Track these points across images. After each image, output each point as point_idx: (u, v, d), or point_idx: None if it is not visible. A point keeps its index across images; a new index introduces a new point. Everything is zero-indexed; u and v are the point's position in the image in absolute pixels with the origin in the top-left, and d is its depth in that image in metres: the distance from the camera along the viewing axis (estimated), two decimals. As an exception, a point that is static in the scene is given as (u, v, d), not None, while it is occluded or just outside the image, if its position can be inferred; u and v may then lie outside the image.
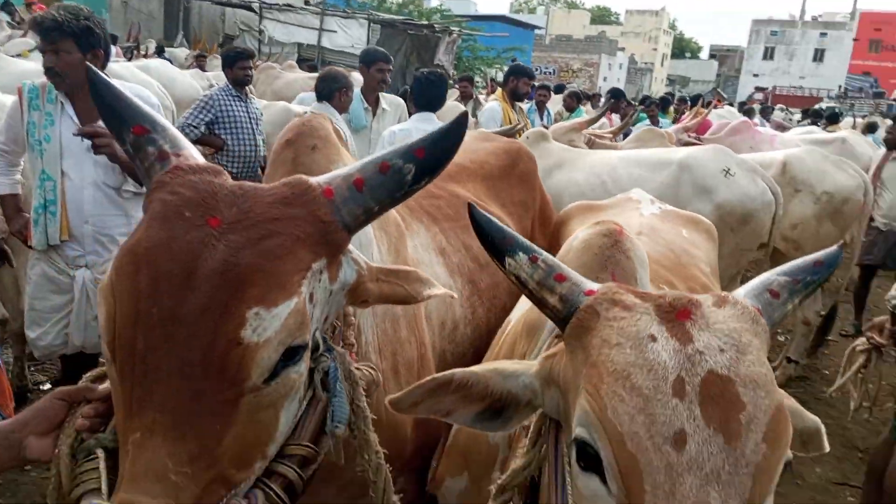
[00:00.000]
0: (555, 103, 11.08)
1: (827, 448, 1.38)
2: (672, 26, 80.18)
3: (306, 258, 1.24)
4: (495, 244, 1.33)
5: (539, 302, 1.29)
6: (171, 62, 11.19)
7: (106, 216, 3.31)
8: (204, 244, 1.17)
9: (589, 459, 1.14)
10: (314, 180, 1.33)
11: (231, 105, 5.73)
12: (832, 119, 14.00)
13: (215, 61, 14.23)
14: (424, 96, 4.84)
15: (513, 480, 1.42)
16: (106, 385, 1.40)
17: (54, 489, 1.33)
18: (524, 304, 2.15)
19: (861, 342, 3.80)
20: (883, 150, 6.88)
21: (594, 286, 1.27)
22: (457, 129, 1.37)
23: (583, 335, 1.20)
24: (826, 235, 5.41)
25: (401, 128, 4.79)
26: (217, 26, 25.27)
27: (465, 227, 2.60)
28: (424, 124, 4.58)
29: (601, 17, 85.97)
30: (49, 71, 3.16)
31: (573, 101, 10.32)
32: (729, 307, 1.20)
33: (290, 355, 1.22)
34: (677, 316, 1.16)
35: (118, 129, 1.37)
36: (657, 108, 10.76)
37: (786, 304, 1.29)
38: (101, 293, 1.21)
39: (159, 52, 14.06)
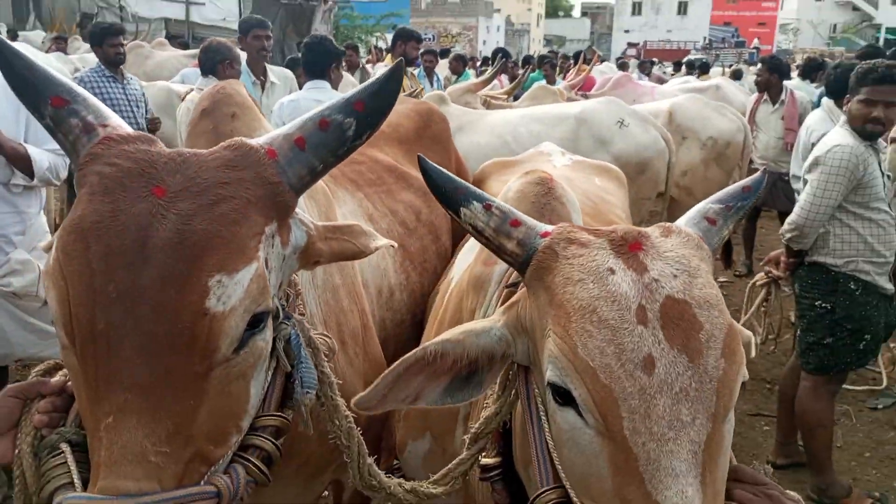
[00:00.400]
0: (441, 68, 11.11)
1: (753, 354, 1.47)
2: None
3: (259, 222, 1.20)
4: (448, 195, 1.33)
5: (497, 248, 1.30)
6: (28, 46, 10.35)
7: None
8: (153, 215, 1.12)
9: (564, 396, 1.17)
10: (255, 142, 1.28)
11: (106, 87, 5.38)
12: (703, 69, 14.79)
13: (77, 42, 13.30)
14: (314, 62, 4.65)
15: (486, 428, 1.44)
16: (59, 377, 1.32)
17: (20, 491, 1.25)
18: (463, 263, 2.17)
19: (759, 276, 4.08)
20: (755, 94, 7.29)
21: (548, 228, 1.29)
22: (393, 77, 1.35)
23: (544, 275, 1.23)
24: (713, 179, 5.74)
25: (290, 99, 4.57)
26: (72, 4, 23.52)
27: (387, 191, 2.59)
28: (317, 94, 4.41)
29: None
30: None
31: (459, 65, 10.40)
32: (675, 236, 1.25)
33: (255, 322, 1.19)
34: (630, 248, 1.21)
35: (34, 101, 1.27)
36: (551, 67, 11.06)
37: (721, 230, 1.36)
38: (49, 277, 1.14)
39: (12, 38, 12.97)
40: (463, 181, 1.37)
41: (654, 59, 17.69)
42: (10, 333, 3.11)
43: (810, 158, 3.53)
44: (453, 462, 1.53)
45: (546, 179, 1.84)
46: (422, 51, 7.85)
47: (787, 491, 1.31)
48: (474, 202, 1.32)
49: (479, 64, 15.60)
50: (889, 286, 3.56)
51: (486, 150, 4.80)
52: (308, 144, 1.29)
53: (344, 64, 10.24)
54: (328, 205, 2.12)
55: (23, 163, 3.03)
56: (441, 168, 1.37)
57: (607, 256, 1.20)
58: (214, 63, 4.85)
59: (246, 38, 5.59)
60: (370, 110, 1.32)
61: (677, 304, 1.15)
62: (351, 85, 6.56)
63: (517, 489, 1.47)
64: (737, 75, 13.58)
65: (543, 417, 1.28)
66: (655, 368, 1.10)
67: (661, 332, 1.13)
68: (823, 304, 3.54)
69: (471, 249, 2.21)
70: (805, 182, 3.54)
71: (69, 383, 1.33)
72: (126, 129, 1.28)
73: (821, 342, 3.56)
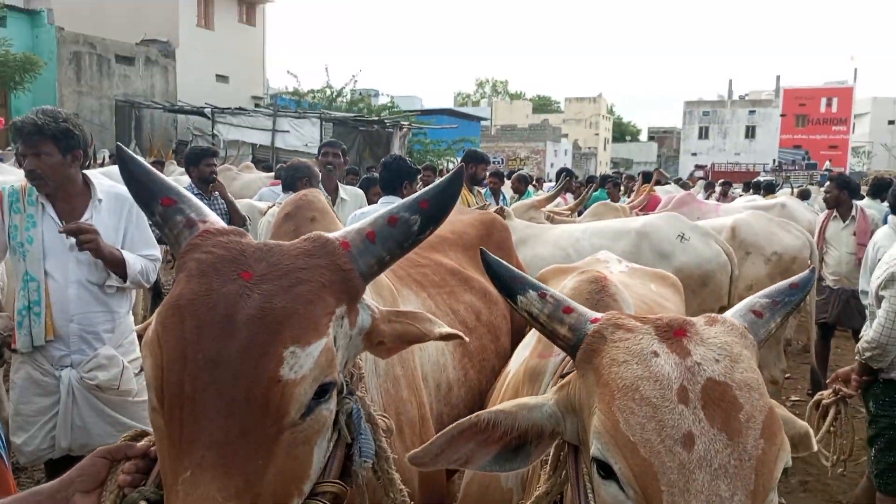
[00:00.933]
0: (505, 188, 11.52)
1: (815, 447, 1.50)
2: (610, 111, 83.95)
3: (331, 303, 1.35)
4: (507, 283, 1.47)
5: (550, 333, 1.42)
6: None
7: (91, 314, 3.34)
8: (239, 295, 1.29)
9: (607, 469, 1.25)
10: (331, 235, 1.46)
11: (196, 201, 5.86)
12: (769, 189, 14.86)
13: (172, 166, 14.39)
14: (390, 179, 4.98)
15: None
16: (144, 442, 1.46)
17: None
18: (519, 357, 2.27)
19: (826, 394, 3.93)
20: (825, 211, 7.27)
21: (598, 315, 1.41)
22: (456, 179, 1.52)
23: (592, 357, 1.33)
24: (780, 293, 5.68)
25: (362, 211, 4.90)
26: (169, 133, 25.64)
27: (450, 292, 2.74)
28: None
29: (542, 105, 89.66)
30: (31, 174, 3.23)
31: (521, 185, 10.76)
32: (719, 325, 1.35)
33: (322, 393, 1.32)
34: (675, 334, 1.31)
35: (147, 201, 1.50)
36: (615, 186, 11.36)
37: (768, 323, 1.44)
38: (147, 347, 1.31)
39: (114, 162, 14.16)
40: (521, 272, 1.52)
41: (727, 181, 17.88)
42: (90, 424, 3.32)
43: (885, 275, 3.47)
44: None
45: (600, 278, 1.96)
46: (488, 173, 8.25)
47: None
48: (530, 290, 1.45)
49: (543, 184, 16.02)
50: (967, 402, 3.43)
51: (548, 262, 4.92)
52: (378, 237, 1.46)
53: (420, 183, 10.82)
54: (393, 301, 2.28)
55: (118, 267, 3.33)
56: (500, 259, 1.51)
57: (652, 340, 1.30)
58: (294, 180, 5.25)
59: (318, 158, 6.06)
60: (434, 208, 1.49)
61: (718, 385, 1.22)
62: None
63: None
64: (804, 195, 13.57)
65: (591, 495, 1.35)
66: (695, 445, 1.17)
67: (701, 412, 1.20)
68: (905, 424, 3.42)
69: (526, 346, 2.32)
70: (879, 298, 3.49)
71: (152, 448, 1.48)
72: (222, 224, 1.49)
73: (902, 462, 3.41)
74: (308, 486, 1.36)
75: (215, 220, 1.49)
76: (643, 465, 1.18)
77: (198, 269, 1.34)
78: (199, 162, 5.86)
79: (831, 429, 3.86)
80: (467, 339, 1.60)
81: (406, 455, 1.43)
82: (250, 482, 1.22)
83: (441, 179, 1.55)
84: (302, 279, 1.34)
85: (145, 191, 1.50)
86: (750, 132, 63.52)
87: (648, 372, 1.24)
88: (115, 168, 8.25)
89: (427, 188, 1.54)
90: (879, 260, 3.88)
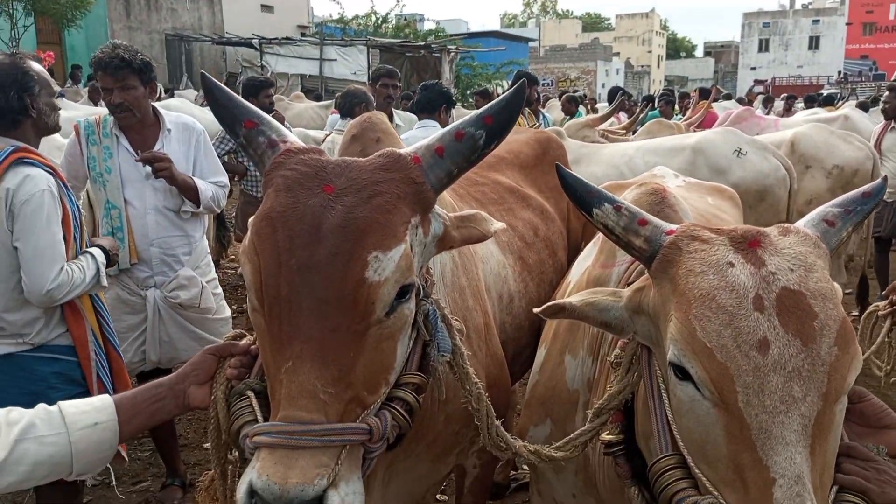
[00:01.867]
0: (555, 109, 11.35)
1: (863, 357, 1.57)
2: (664, 27, 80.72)
3: (407, 213, 1.47)
4: (583, 197, 1.54)
5: (626, 245, 1.49)
6: (183, 102, 11.54)
7: (169, 238, 3.56)
8: (323, 206, 1.42)
9: (684, 371, 1.33)
10: (403, 150, 1.57)
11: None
12: (828, 101, 14.28)
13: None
14: (428, 102, 5.12)
15: (609, 404, 1.61)
16: (245, 341, 1.64)
17: (214, 429, 1.59)
18: (579, 268, 2.37)
19: (883, 304, 3.92)
20: (882, 122, 7.02)
21: (673, 227, 1.47)
22: (518, 95, 1.60)
23: (668, 268, 1.40)
24: (840, 208, 5.59)
25: (404, 137, 5.03)
26: (219, 65, 25.81)
27: (508, 209, 2.84)
28: (425, 132, 4.83)
29: (592, 24, 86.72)
30: (119, 107, 3.38)
31: (572, 106, 10.55)
32: (793, 235, 1.39)
33: (403, 293, 1.46)
34: (749, 245, 1.36)
35: (231, 124, 1.62)
36: (668, 104, 11.10)
37: (840, 232, 1.48)
38: (245, 255, 1.46)
39: (169, 96, 14.44)
40: (596, 186, 1.58)
41: (790, 94, 17.22)
42: (176, 339, 3.60)
43: None
44: (576, 432, 1.70)
45: (659, 190, 2.01)
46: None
47: None
48: (606, 203, 1.51)
49: (597, 105, 15.71)
50: None
51: (602, 181, 4.91)
52: (447, 152, 1.55)
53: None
54: (455, 216, 2.39)
55: (191, 193, 3.53)
56: (574, 173, 1.58)
57: (727, 251, 1.35)
58: (352, 106, 5.35)
59: (375, 87, 6.11)
60: (498, 123, 1.57)
61: (793, 294, 1.28)
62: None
63: (638, 464, 1.61)
64: (863, 107, 13.01)
65: (664, 394, 1.45)
66: (770, 350, 1.24)
67: (776, 319, 1.26)
68: (963, 337, 3.40)
69: (586, 257, 2.41)
70: None
71: (252, 346, 1.65)
72: (301, 144, 1.60)
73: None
74: (393, 377, 1.51)
75: (295, 140, 1.61)
76: (719, 369, 1.26)
77: (284, 185, 1.46)
78: (259, 93, 5.98)
79: (887, 339, 3.87)
80: (504, 226, 1.74)
81: (534, 310, 1.62)
82: (344, 372, 1.37)
83: (503, 95, 1.62)
84: (379, 191, 1.45)
85: (229, 114, 1.62)
86: (813, 43, 60.46)
87: (724, 281, 1.30)
88: (173, 101, 8.53)
89: (490, 104, 1.61)
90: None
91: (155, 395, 1.56)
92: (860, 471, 1.35)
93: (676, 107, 12.91)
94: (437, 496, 4.14)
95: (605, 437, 1.66)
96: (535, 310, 1.58)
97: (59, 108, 2.94)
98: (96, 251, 2.91)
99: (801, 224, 1.46)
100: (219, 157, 5.60)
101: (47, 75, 2.87)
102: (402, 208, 1.46)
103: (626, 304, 1.53)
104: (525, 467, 4.36)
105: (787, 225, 1.43)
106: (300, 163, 1.50)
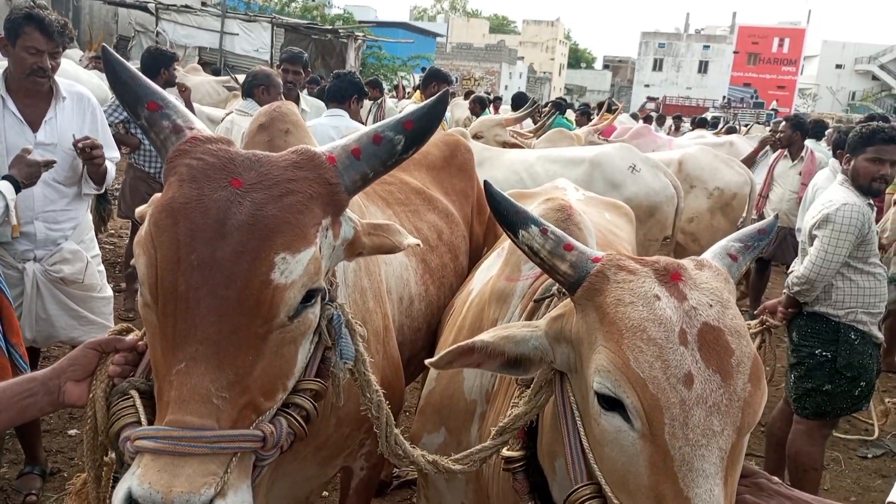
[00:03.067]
0: (461, 108, 11.45)
1: None
2: (567, 37, 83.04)
3: (318, 214, 1.42)
4: (510, 218, 1.51)
5: (550, 269, 1.48)
6: (68, 62, 10.78)
7: (56, 212, 3.31)
8: (230, 201, 1.34)
9: (609, 402, 1.34)
10: (318, 149, 1.51)
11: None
12: (713, 125, 15.36)
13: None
14: (339, 91, 4.99)
15: (513, 424, 1.60)
16: (133, 335, 1.53)
17: (90, 429, 1.48)
18: (482, 277, 2.38)
19: (754, 324, 4.20)
20: (777, 151, 7.43)
21: (599, 254, 1.47)
22: (440, 103, 1.57)
23: (595, 296, 1.40)
24: (718, 228, 5.95)
25: (310, 123, 4.89)
26: (110, 27, 24.30)
27: (414, 211, 2.82)
28: (335, 121, 4.75)
29: (500, 26, 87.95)
30: (41, 72, 3.13)
31: (478, 106, 10.69)
32: (707, 270, 1.43)
33: (308, 297, 1.41)
34: (671, 278, 1.39)
35: (133, 104, 1.51)
36: (584, 115, 11.67)
37: (741, 266, 1.55)
38: (140, 246, 1.36)
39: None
40: (524, 207, 1.56)
41: (679, 115, 18.22)
42: (54, 317, 3.34)
43: (818, 216, 3.61)
44: (477, 447, 1.68)
45: (566, 206, 2.03)
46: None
47: (771, 476, 1.49)
48: (532, 226, 1.49)
49: (500, 106, 15.96)
50: (879, 335, 3.72)
51: (503, 186, 4.93)
52: (363, 154, 1.51)
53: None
54: (361, 215, 2.35)
55: (100, 175, 3.33)
56: (504, 193, 1.56)
57: (653, 284, 1.37)
58: (252, 87, 5.16)
59: (280, 68, 5.94)
60: (418, 129, 1.54)
61: (713, 330, 1.32)
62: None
63: (536, 480, 1.63)
64: (731, 131, 14.33)
65: (578, 421, 1.45)
66: (694, 384, 1.28)
67: (698, 353, 1.30)
68: (824, 353, 3.65)
69: (490, 267, 2.42)
70: (812, 237, 3.69)
71: (140, 343, 1.55)
72: (208, 132, 1.51)
73: (819, 388, 3.66)
74: (292, 383, 1.46)
75: (201, 128, 1.52)
76: (651, 399, 1.28)
77: (189, 175, 1.38)
78: (168, 67, 5.68)
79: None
80: (420, 243, 1.68)
81: (427, 361, 1.54)
82: (240, 376, 1.31)
83: (426, 101, 1.59)
84: (291, 190, 1.39)
85: (131, 94, 1.51)
86: (703, 67, 63.92)
87: (653, 314, 1.32)
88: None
89: (414, 109, 1.58)
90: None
91: (26, 391, 1.44)
92: (747, 496, 1.43)
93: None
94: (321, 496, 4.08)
95: (506, 452, 1.67)
96: (428, 360, 1.54)
97: None
98: (4, 186, 2.82)
99: (708, 256, 1.51)
100: (109, 126, 5.30)
101: None
102: (313, 209, 1.41)
103: (545, 332, 1.52)
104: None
105: (700, 259, 1.47)
106: (207, 152, 1.42)
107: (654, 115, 18.98)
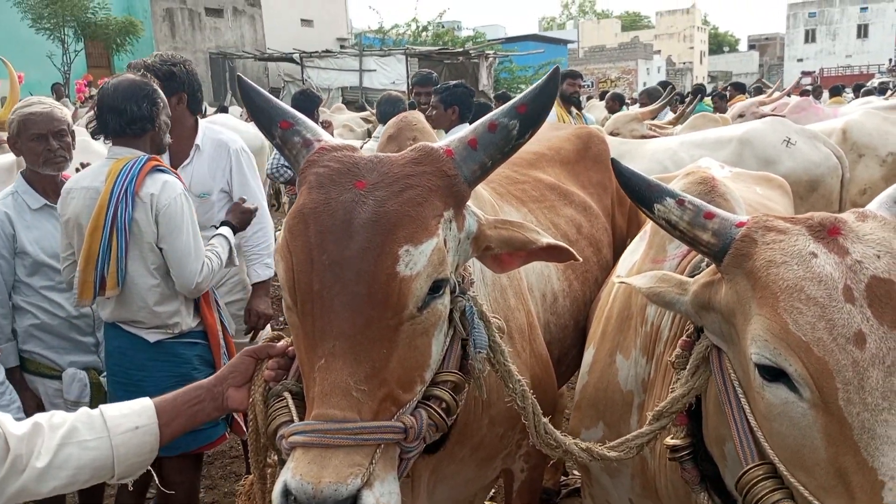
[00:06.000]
0: (599, 109, 11.25)
1: None
2: (705, 22, 79.44)
3: (439, 206, 1.44)
4: (642, 192, 1.47)
5: (691, 240, 1.41)
6: (227, 118, 11.74)
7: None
8: (355, 202, 1.40)
9: (772, 372, 1.25)
10: (435, 144, 1.54)
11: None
12: (882, 92, 13.92)
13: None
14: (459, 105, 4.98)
15: (672, 407, 1.54)
16: (283, 343, 1.63)
17: (252, 431, 1.59)
18: (627, 263, 2.30)
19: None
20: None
21: (744, 218, 1.39)
22: (551, 83, 1.55)
23: (743, 262, 1.32)
24: (898, 197, 5.39)
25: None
26: (262, 81, 26.26)
27: (550, 207, 2.78)
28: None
29: (632, 22, 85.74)
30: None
31: (615, 104, 10.49)
32: (871, 220, 1.32)
33: (436, 288, 1.43)
34: (829, 233, 1.29)
35: (268, 125, 1.62)
36: (720, 98, 11.05)
37: None
38: (279, 252, 1.45)
39: (218, 111, 14.74)
40: (655, 179, 1.51)
41: (840, 85, 16.77)
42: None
43: None
44: (633, 433, 1.63)
45: (708, 178, 1.93)
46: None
47: None
48: (667, 198, 1.44)
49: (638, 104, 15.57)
50: None
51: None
52: (479, 144, 1.52)
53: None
54: (495, 215, 2.35)
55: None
56: (633, 168, 1.51)
57: (807, 241, 1.28)
58: (390, 114, 5.38)
59: (412, 93, 6.16)
60: (532, 111, 1.52)
61: (883, 283, 1.22)
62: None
63: (705, 468, 1.55)
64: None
65: (742, 397, 1.37)
66: (867, 343, 1.18)
67: (868, 310, 1.20)
68: None
69: (633, 252, 2.34)
70: None
71: (290, 348, 1.63)
72: (335, 142, 1.58)
73: None
74: (429, 375, 1.47)
75: (329, 139, 1.59)
76: (818, 363, 1.19)
77: (317, 182, 1.45)
78: (314, 109, 6.16)
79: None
80: (572, 250, 1.62)
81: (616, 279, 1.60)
82: (377, 368, 1.35)
83: (539, 82, 1.57)
84: (410, 185, 1.43)
85: (265, 116, 1.62)
86: (862, 31, 58.73)
87: (811, 272, 1.23)
88: (219, 116, 8.59)
89: (523, 93, 1.57)
90: None
91: (194, 398, 1.57)
92: None
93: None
94: (486, 502, 4.09)
95: (670, 440, 1.60)
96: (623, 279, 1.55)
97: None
98: (226, 231, 3.11)
99: (873, 207, 1.38)
100: (287, 168, 5.65)
101: (165, 99, 3.01)
102: (433, 201, 1.43)
103: (692, 300, 1.46)
104: (576, 472, 4.28)
105: (862, 210, 1.36)
106: (333, 160, 1.49)
107: (809, 89, 17.65)
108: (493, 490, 4.16)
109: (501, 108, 1.56)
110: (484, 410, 2.00)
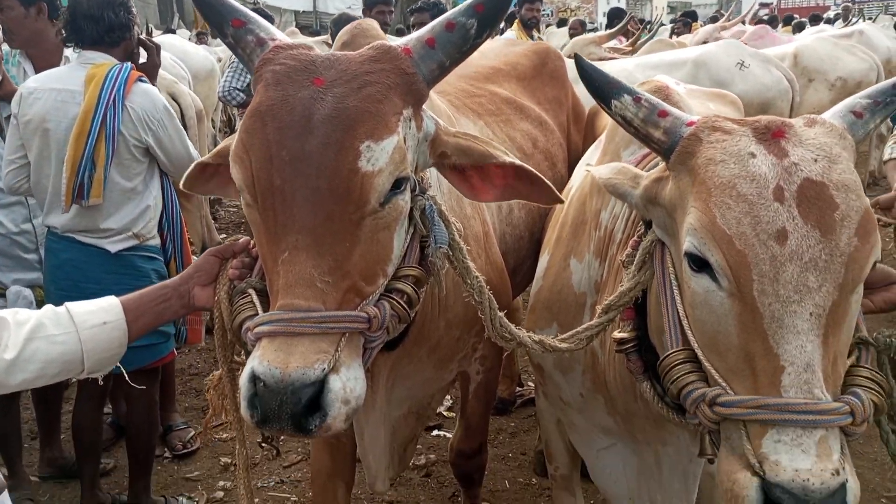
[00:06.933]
0: (558, 37, 11.21)
1: None
2: (666, -50, 78.22)
3: (398, 103, 1.46)
4: (601, 88, 1.51)
5: (644, 137, 1.47)
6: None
7: None
8: (313, 98, 1.40)
9: (699, 263, 1.33)
10: (393, 42, 1.54)
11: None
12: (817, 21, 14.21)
13: (217, 38, 14.34)
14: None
15: (619, 301, 1.61)
16: (245, 239, 1.65)
17: (219, 328, 1.63)
18: (581, 173, 2.35)
19: None
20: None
21: (694, 118, 1.44)
22: None
23: (687, 159, 1.38)
24: (845, 121, 5.53)
25: None
26: (210, 3, 25.12)
27: (506, 120, 2.80)
28: None
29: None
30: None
31: (580, 29, 10.50)
32: (818, 126, 1.36)
33: (397, 185, 1.45)
34: (773, 135, 1.34)
35: (219, 23, 1.59)
36: (685, 26, 11.24)
37: (868, 124, 1.45)
38: (234, 156, 1.45)
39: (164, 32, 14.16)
40: (616, 77, 1.53)
41: (792, 15, 16.94)
42: None
43: None
44: (583, 326, 1.70)
45: (663, 87, 1.96)
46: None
47: None
48: (625, 95, 1.48)
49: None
50: None
51: (603, 99, 4.90)
52: (437, 43, 1.52)
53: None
54: (451, 126, 2.36)
55: None
56: (595, 64, 1.54)
57: (749, 142, 1.34)
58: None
59: (371, 13, 5.98)
60: (489, 11, 1.53)
61: (815, 185, 1.27)
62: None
63: (650, 360, 1.63)
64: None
65: (676, 290, 1.46)
66: (788, 240, 1.24)
67: (795, 209, 1.26)
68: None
69: (588, 159, 2.39)
70: None
71: (253, 247, 1.66)
72: (290, 40, 1.57)
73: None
74: (391, 269, 1.51)
75: (283, 37, 1.57)
76: (738, 256, 1.26)
77: (273, 79, 1.45)
78: None
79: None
80: (549, 183, 1.64)
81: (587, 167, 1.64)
82: (340, 261, 1.38)
83: None
84: (369, 81, 1.43)
85: (216, 14, 1.59)
86: (819, -39, 58.68)
87: (745, 171, 1.29)
88: (166, 37, 8.21)
89: None
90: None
91: (161, 296, 1.59)
92: None
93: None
94: (445, 412, 4.24)
95: (617, 334, 1.67)
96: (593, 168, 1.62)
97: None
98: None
99: (827, 115, 1.43)
100: (239, 90, 5.46)
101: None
102: (393, 99, 1.44)
103: (642, 193, 1.52)
104: (530, 384, 4.44)
105: (813, 116, 1.40)
106: (289, 57, 1.48)
107: (765, 19, 17.73)
108: (450, 402, 4.31)
109: (459, 7, 1.56)
110: (441, 313, 2.06)
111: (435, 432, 4.04)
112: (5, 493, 1.42)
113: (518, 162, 1.63)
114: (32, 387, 1.51)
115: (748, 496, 1.24)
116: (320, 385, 1.31)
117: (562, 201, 1.71)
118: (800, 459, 1.21)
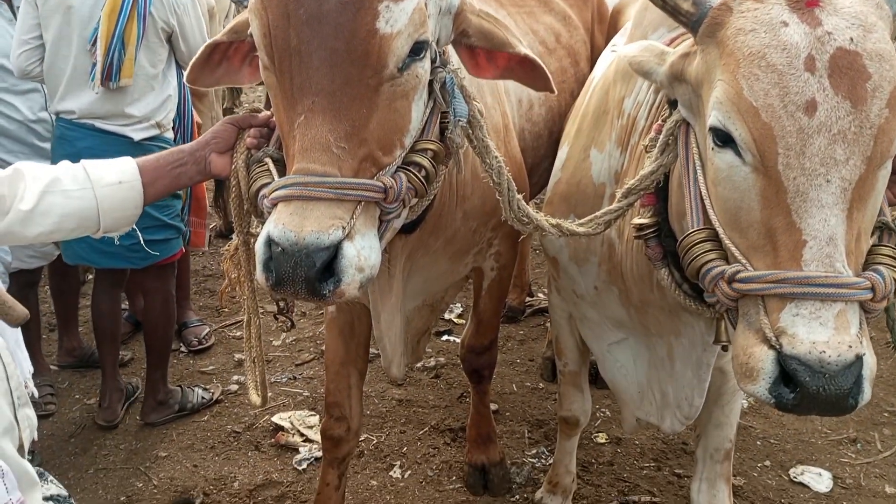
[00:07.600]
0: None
1: None
2: None
3: None
4: None
5: (673, 9, 1.41)
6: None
7: None
8: None
9: (724, 138, 1.30)
10: None
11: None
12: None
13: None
14: None
15: (640, 184, 1.58)
16: (265, 113, 1.63)
17: (235, 196, 1.62)
18: (603, 64, 2.28)
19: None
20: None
21: None
22: None
23: (716, 31, 1.33)
24: None
25: None
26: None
27: (529, 13, 2.71)
28: None
29: None
30: None
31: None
32: None
33: (417, 51, 1.41)
34: (807, 4, 1.27)
35: None
36: None
37: None
38: (252, 10, 1.40)
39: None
40: None
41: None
42: None
43: None
44: (602, 210, 1.67)
45: None
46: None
47: None
48: None
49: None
50: None
51: None
52: None
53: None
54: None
55: None
56: None
57: (782, 11, 1.28)
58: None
59: None
60: None
61: (847, 54, 1.22)
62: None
63: (669, 246, 1.60)
64: None
65: (699, 170, 1.42)
66: (817, 111, 1.20)
67: (826, 80, 1.21)
68: None
69: (610, 51, 2.32)
70: None
71: (271, 119, 1.63)
72: None
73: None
74: (409, 140, 1.48)
75: None
76: (763, 128, 1.23)
77: None
78: None
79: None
80: (550, 77, 1.63)
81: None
82: (356, 127, 1.35)
83: None
84: None
85: None
86: None
87: (776, 40, 1.24)
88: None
89: None
90: None
91: (177, 160, 1.58)
92: None
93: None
94: (455, 319, 4.29)
95: (637, 220, 1.64)
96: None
97: None
98: None
99: None
100: None
101: None
102: None
103: (668, 70, 1.48)
104: (541, 294, 4.47)
105: None
106: None
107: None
108: (460, 308, 4.36)
109: None
110: (458, 204, 2.05)
111: (444, 337, 4.10)
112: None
113: (531, 55, 1.60)
114: (50, 240, 1.52)
115: (763, 368, 1.24)
116: (335, 250, 1.31)
117: (553, 91, 1.68)
118: (817, 332, 1.20)
